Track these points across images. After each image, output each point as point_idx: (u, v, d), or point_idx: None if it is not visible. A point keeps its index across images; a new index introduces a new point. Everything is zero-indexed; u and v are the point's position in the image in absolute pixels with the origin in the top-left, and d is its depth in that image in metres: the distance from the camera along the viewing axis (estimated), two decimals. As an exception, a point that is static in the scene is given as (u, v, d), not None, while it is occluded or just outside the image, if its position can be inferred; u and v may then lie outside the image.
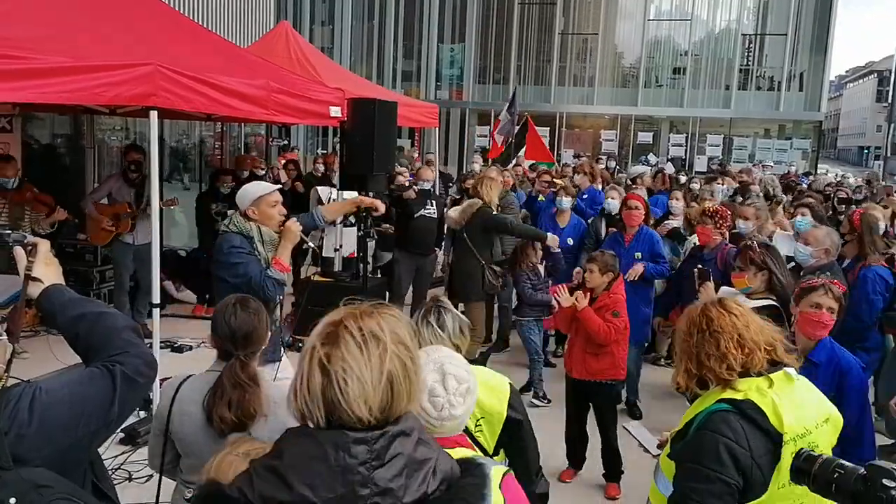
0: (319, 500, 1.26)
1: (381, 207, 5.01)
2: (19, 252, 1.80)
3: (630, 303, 4.87)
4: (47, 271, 1.84)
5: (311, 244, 4.46)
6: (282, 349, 4.01)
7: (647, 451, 2.49)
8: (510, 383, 2.65)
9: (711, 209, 5.33)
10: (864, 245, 4.96)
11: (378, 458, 1.29)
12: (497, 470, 1.92)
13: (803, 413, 2.12)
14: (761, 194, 8.63)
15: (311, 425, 1.33)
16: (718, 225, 5.21)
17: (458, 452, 1.90)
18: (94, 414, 1.67)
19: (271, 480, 1.29)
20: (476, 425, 2.51)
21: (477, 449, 2.46)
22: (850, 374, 2.96)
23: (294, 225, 3.90)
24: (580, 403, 4.73)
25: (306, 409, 1.33)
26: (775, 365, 2.19)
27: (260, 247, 3.82)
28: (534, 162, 11.38)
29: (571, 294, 4.60)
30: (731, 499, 2.05)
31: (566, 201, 6.80)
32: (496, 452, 2.57)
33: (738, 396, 2.11)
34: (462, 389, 1.92)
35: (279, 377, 2.75)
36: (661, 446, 2.60)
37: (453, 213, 6.35)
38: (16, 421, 1.57)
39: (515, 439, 2.59)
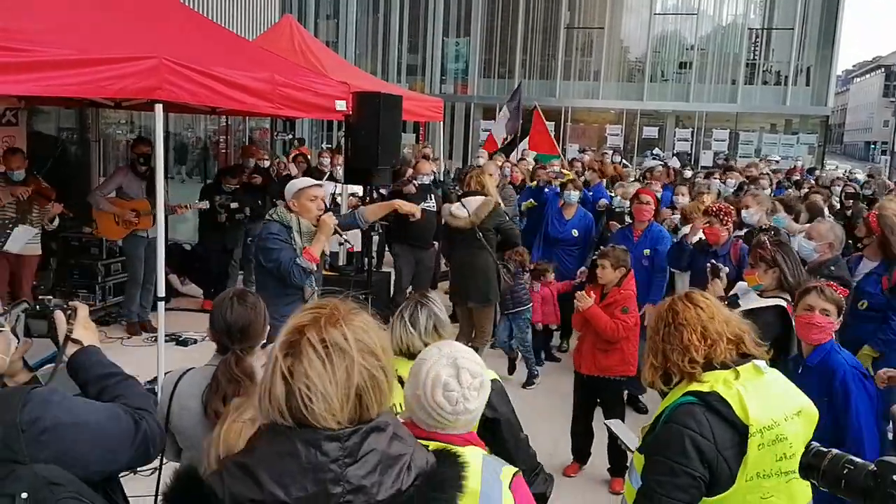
0: (290, 499, 1.24)
1: (418, 213, 5.01)
2: (60, 316, 1.91)
3: (641, 299, 4.87)
4: (86, 334, 1.94)
5: (346, 240, 4.57)
6: None
7: (627, 449, 2.48)
8: (494, 379, 2.52)
9: (714, 208, 5.29)
10: (891, 245, 4.75)
11: (351, 456, 1.26)
12: (507, 470, 1.92)
13: (771, 405, 2.10)
14: (767, 188, 8.61)
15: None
16: (724, 221, 5.18)
17: (469, 452, 1.90)
18: (110, 454, 1.70)
19: (241, 478, 1.27)
20: None
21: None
22: (834, 375, 2.94)
23: (329, 219, 4.15)
24: (588, 399, 4.72)
25: (275, 415, 1.30)
26: (745, 357, 2.18)
27: (297, 237, 4.07)
28: (538, 154, 11.33)
29: (574, 292, 4.60)
30: (696, 492, 2.05)
31: (574, 195, 6.80)
32: None
33: (704, 389, 2.11)
34: (476, 384, 1.91)
35: None
36: None
37: (463, 210, 5.99)
38: (36, 436, 1.59)
39: (496, 439, 2.51)
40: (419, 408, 1.89)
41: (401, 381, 2.49)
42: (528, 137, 11.40)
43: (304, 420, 1.27)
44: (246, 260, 8.30)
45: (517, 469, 2.00)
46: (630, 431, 2.81)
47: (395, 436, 1.34)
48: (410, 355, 2.55)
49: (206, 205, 7.55)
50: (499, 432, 2.54)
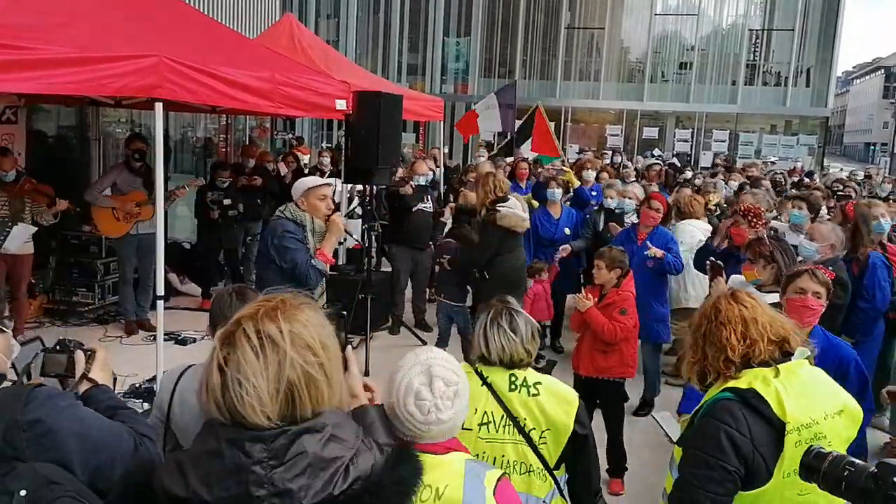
0: (212, 499, 1.22)
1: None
2: (79, 356, 2.01)
3: (643, 301, 4.85)
4: (102, 375, 2.03)
5: (355, 238, 4.58)
6: None
7: (671, 440, 2.49)
8: (579, 397, 2.56)
9: (744, 208, 5.24)
10: (861, 234, 4.95)
11: (276, 458, 1.24)
12: (491, 474, 1.90)
13: (810, 403, 2.11)
14: (770, 189, 8.63)
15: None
16: (753, 224, 5.14)
17: (451, 461, 1.87)
18: (106, 469, 1.69)
19: (173, 474, 1.27)
20: (541, 437, 2.46)
21: (538, 461, 2.44)
22: (851, 364, 2.98)
23: (339, 218, 4.15)
24: (587, 401, 4.71)
25: (210, 406, 1.29)
26: (787, 356, 2.18)
27: (310, 236, 4.04)
28: (539, 155, 11.29)
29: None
30: (731, 485, 2.07)
31: (557, 192, 6.80)
32: (557, 467, 2.50)
33: (742, 385, 2.12)
34: (450, 392, 1.87)
35: None
36: None
37: (517, 212, 5.59)
38: (36, 437, 1.60)
39: (580, 455, 2.52)
40: (393, 416, 1.86)
41: (490, 388, 2.45)
42: (530, 140, 11.30)
43: (235, 412, 1.25)
44: (245, 259, 8.32)
45: (503, 472, 1.98)
46: (676, 425, 2.83)
47: (333, 437, 1.29)
48: (511, 364, 2.52)
49: (202, 181, 7.64)
50: (586, 449, 2.53)
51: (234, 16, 15.18)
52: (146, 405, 5.07)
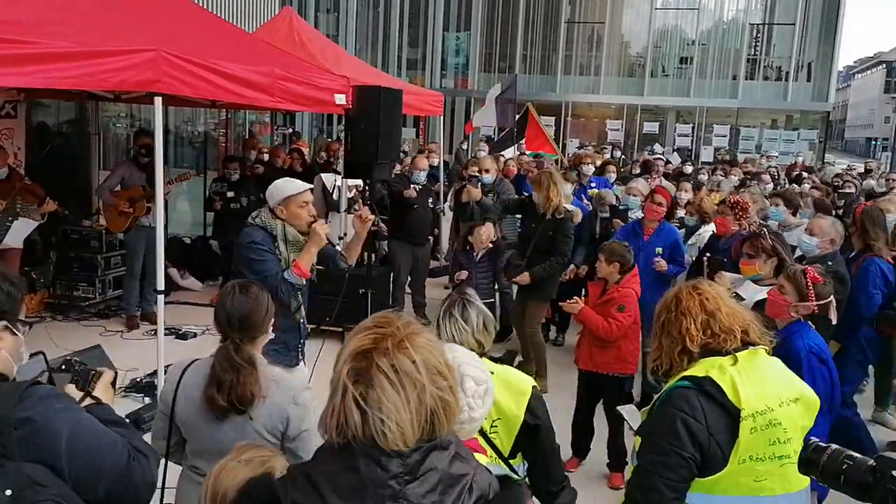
0: None
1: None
2: (70, 390, 2.00)
3: (650, 298, 4.86)
4: (105, 395, 2.04)
5: (338, 248, 4.21)
6: (300, 355, 3.94)
7: (633, 432, 2.53)
8: (534, 385, 2.55)
9: (732, 200, 5.27)
10: (868, 236, 4.93)
11: (411, 473, 1.25)
12: (509, 480, 1.92)
13: (765, 390, 2.16)
14: (770, 184, 8.63)
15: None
16: (738, 216, 5.16)
17: (478, 457, 1.89)
18: (93, 478, 1.67)
19: (304, 488, 1.27)
20: (492, 426, 2.45)
21: (491, 450, 2.42)
22: (787, 359, 2.97)
23: (321, 228, 3.74)
24: (590, 394, 4.72)
25: (339, 439, 1.28)
26: (747, 347, 2.23)
27: (282, 245, 3.69)
28: (539, 153, 11.29)
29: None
30: (686, 472, 2.11)
31: (567, 187, 6.78)
32: (512, 455, 2.50)
33: (699, 373, 2.17)
34: (480, 391, 1.87)
35: (288, 384, 2.56)
36: None
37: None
38: (26, 437, 1.58)
39: (534, 445, 2.52)
40: None
41: None
42: (523, 140, 11.30)
43: (377, 444, 1.26)
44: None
45: (519, 478, 2.00)
46: (639, 417, 2.86)
47: (458, 455, 1.31)
48: None
49: (193, 173, 7.89)
50: (538, 439, 2.52)
51: (233, 9, 15.15)
52: (147, 399, 5.08)
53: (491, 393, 1.92)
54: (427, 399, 1.27)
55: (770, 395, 2.16)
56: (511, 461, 2.49)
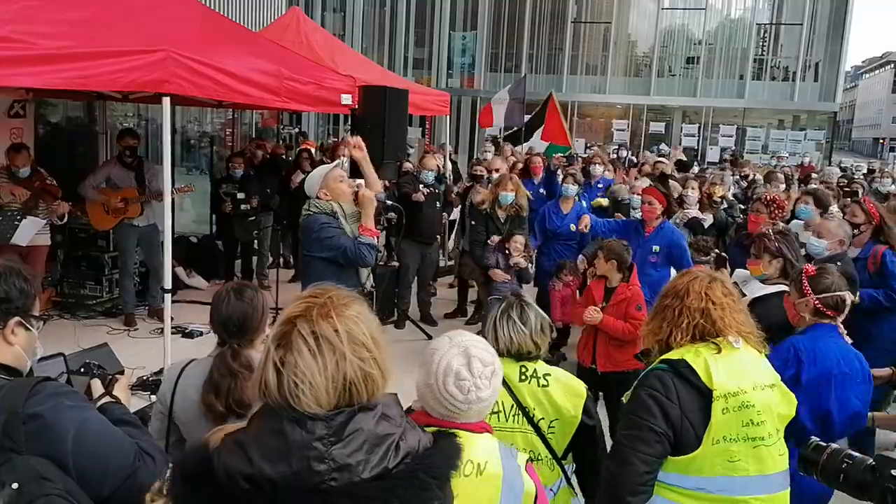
0: (276, 475, 1.26)
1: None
2: (96, 384, 2.07)
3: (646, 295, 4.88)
4: (123, 397, 2.08)
5: (391, 209, 4.52)
6: None
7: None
8: (587, 388, 2.63)
9: (768, 197, 5.23)
10: (885, 232, 4.91)
11: (336, 435, 1.29)
12: (521, 456, 1.98)
13: (740, 374, 2.27)
14: (783, 184, 8.62)
15: None
16: (773, 215, 5.12)
17: (485, 439, 1.93)
18: (99, 477, 1.67)
19: (236, 453, 1.30)
20: (549, 427, 2.51)
21: (546, 450, 2.51)
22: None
23: (367, 191, 3.99)
24: (595, 393, 4.71)
25: (266, 400, 1.33)
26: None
27: (344, 222, 3.92)
28: (550, 144, 11.30)
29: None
30: (659, 447, 2.21)
31: (572, 188, 6.81)
32: (564, 457, 2.56)
33: (675, 357, 2.29)
34: (487, 372, 1.91)
35: None
36: None
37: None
38: (35, 432, 1.59)
39: (587, 445, 2.58)
40: (432, 398, 1.90)
41: (504, 384, 2.46)
42: (542, 128, 11.30)
43: (295, 407, 1.30)
44: (257, 251, 8.52)
45: (528, 455, 2.07)
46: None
47: (384, 416, 1.35)
48: (519, 356, 2.58)
49: (192, 188, 7.70)
50: (593, 440, 2.60)
51: (240, 9, 15.19)
52: (153, 397, 5.11)
53: (498, 374, 1.96)
54: (346, 367, 1.31)
55: (744, 378, 2.26)
56: (563, 462, 2.56)
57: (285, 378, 1.29)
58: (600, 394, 4.71)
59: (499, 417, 2.48)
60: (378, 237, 3.99)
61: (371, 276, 4.12)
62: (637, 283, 4.60)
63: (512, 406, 2.51)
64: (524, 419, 2.51)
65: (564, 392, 2.53)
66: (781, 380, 2.39)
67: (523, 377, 2.54)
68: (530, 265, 6.49)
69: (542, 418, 2.51)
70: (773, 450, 2.25)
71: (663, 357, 2.32)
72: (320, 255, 3.87)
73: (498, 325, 2.59)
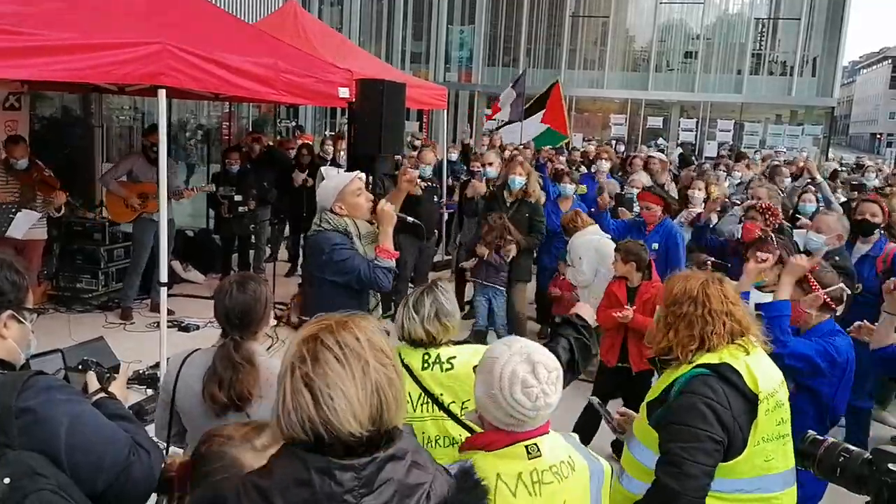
0: None
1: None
2: (92, 378, 2.04)
3: None
4: (119, 393, 2.07)
5: (413, 221, 4.10)
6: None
7: (609, 420, 2.52)
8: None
9: (762, 205, 5.26)
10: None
11: (366, 486, 1.25)
12: (574, 436, 2.00)
13: (768, 374, 2.27)
14: (788, 179, 8.61)
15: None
16: (769, 223, 5.14)
17: (553, 437, 1.92)
18: (93, 471, 1.66)
19: (256, 501, 1.26)
20: (462, 407, 2.50)
21: (463, 429, 2.46)
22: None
23: (387, 206, 3.56)
24: (608, 392, 4.67)
25: (293, 430, 1.29)
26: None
27: (358, 242, 3.54)
28: (539, 134, 11.38)
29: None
30: (718, 456, 2.15)
31: (570, 188, 6.82)
32: None
33: (714, 360, 2.23)
34: (553, 377, 1.87)
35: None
36: (619, 426, 2.67)
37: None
38: (27, 426, 1.58)
39: None
40: (496, 407, 1.84)
41: (406, 368, 2.49)
42: (543, 111, 11.44)
43: (330, 423, 1.25)
44: (255, 246, 8.56)
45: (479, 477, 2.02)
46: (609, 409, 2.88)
47: (414, 464, 1.32)
48: (411, 342, 2.58)
49: (212, 187, 7.72)
50: None
51: (236, 1, 15.13)
52: (149, 391, 5.10)
53: (562, 378, 1.93)
54: (371, 373, 1.30)
55: (772, 378, 2.26)
56: None
57: (318, 391, 1.26)
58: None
59: (407, 408, 2.47)
60: (397, 258, 3.59)
61: (380, 304, 3.75)
62: (658, 279, 4.58)
63: (420, 395, 2.51)
64: (434, 406, 2.51)
65: (472, 371, 2.49)
66: (808, 366, 2.45)
67: (426, 365, 2.54)
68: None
69: (453, 402, 2.51)
70: (791, 444, 2.28)
71: (700, 362, 2.24)
72: (332, 278, 3.50)
73: (400, 311, 2.60)
